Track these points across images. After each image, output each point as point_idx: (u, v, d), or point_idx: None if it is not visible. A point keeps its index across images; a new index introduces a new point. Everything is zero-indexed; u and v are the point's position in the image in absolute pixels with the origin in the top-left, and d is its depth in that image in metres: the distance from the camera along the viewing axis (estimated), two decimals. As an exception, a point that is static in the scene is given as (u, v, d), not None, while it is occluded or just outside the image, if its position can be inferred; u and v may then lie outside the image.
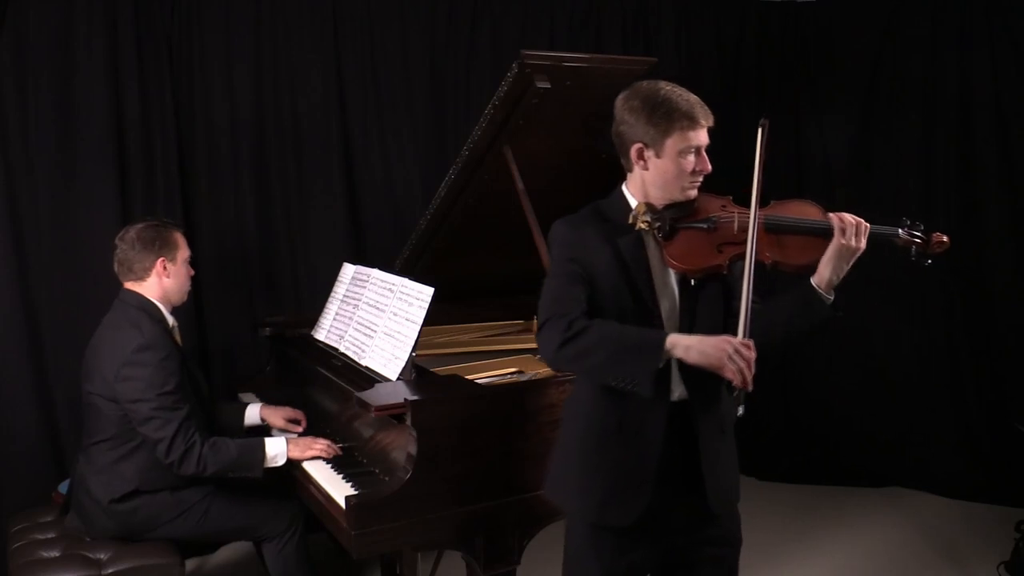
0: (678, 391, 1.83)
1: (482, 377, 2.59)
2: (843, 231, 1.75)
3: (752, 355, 1.63)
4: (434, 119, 3.89)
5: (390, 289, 2.70)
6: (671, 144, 1.77)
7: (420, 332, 2.46)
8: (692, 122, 1.77)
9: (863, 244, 1.76)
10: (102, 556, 2.58)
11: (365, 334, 2.71)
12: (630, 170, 1.87)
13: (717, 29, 4.37)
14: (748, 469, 4.40)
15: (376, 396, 2.25)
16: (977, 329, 4.07)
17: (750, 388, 1.63)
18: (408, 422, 2.15)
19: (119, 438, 2.56)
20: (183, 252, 2.71)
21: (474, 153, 2.68)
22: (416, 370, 2.50)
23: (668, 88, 1.81)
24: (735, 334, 1.68)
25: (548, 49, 3.78)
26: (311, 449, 2.56)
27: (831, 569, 3.42)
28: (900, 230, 1.87)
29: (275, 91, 3.63)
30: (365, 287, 2.86)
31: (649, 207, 1.81)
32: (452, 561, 3.04)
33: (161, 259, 2.63)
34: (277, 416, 2.88)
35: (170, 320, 2.70)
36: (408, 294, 2.58)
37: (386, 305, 2.67)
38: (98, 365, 2.57)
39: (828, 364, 4.35)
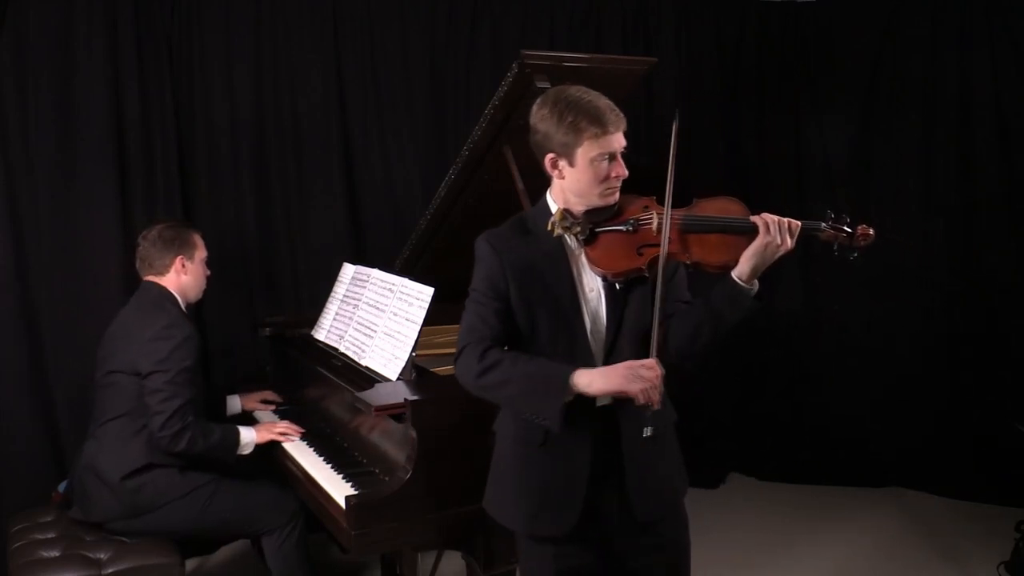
0: (605, 398, 1.81)
1: (482, 377, 2.58)
2: (767, 229, 1.72)
3: (655, 374, 1.66)
4: (434, 119, 3.89)
5: (390, 289, 2.70)
6: (582, 153, 1.75)
7: (420, 332, 2.46)
8: (602, 129, 1.74)
9: (790, 243, 1.73)
10: (102, 556, 2.58)
11: (365, 334, 2.71)
12: (549, 179, 1.87)
13: (717, 29, 4.37)
14: (748, 469, 4.41)
15: (376, 396, 2.25)
16: (977, 329, 4.07)
17: (656, 406, 1.67)
18: (408, 422, 2.15)
19: (134, 413, 2.64)
20: (200, 252, 2.87)
21: (474, 153, 2.68)
22: (416, 370, 2.50)
23: (577, 94, 1.77)
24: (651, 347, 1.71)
25: (548, 49, 3.78)
26: (271, 433, 2.80)
27: (831, 569, 3.42)
28: (823, 224, 1.83)
29: (275, 91, 3.63)
30: (365, 287, 2.86)
31: (567, 213, 1.80)
32: (452, 561, 3.04)
33: (180, 257, 2.80)
34: (252, 401, 3.15)
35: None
36: (408, 294, 2.58)
37: (386, 305, 2.67)
38: (122, 343, 2.68)
39: (828, 365, 4.35)
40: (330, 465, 2.51)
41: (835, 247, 1.84)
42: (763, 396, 4.46)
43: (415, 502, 2.14)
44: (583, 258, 1.82)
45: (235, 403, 3.12)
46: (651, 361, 1.68)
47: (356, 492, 2.24)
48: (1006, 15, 3.87)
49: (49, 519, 2.79)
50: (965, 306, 4.09)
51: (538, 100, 1.83)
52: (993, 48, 3.92)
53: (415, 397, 2.18)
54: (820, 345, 4.37)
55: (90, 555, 2.58)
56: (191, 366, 2.64)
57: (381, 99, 3.79)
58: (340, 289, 3.05)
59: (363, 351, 2.66)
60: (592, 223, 1.80)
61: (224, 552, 3.56)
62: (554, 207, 1.86)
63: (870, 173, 4.24)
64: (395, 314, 2.59)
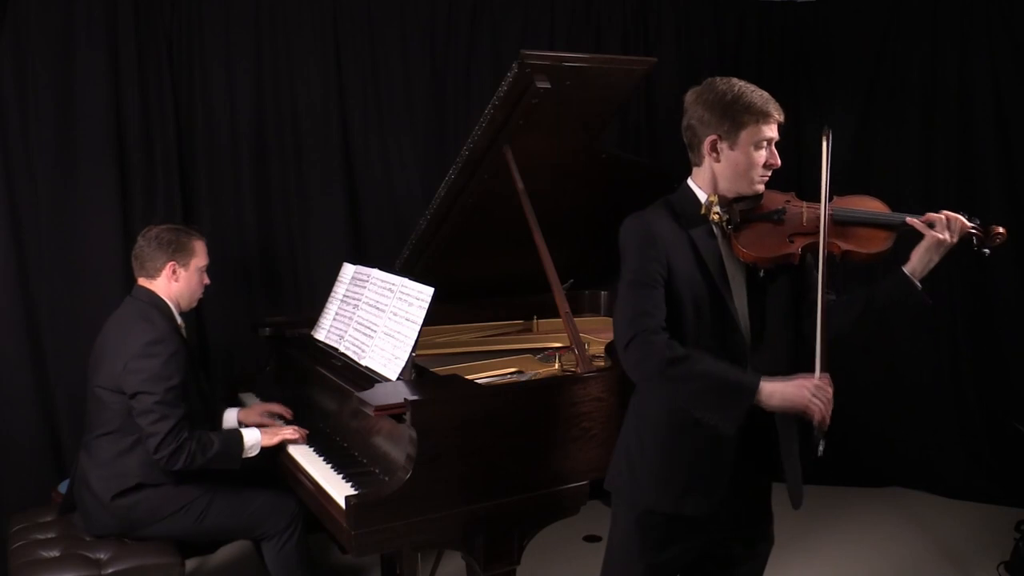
0: None
1: (482, 377, 2.59)
2: (933, 226, 1.79)
3: (831, 391, 1.69)
4: (434, 119, 3.89)
5: (390, 289, 2.70)
6: (745, 136, 1.82)
7: (420, 332, 2.46)
8: (766, 116, 1.83)
9: (955, 238, 1.80)
10: (102, 556, 2.58)
11: (365, 334, 2.70)
12: (699, 164, 1.91)
13: (717, 29, 4.36)
14: (748, 469, 4.42)
15: (376, 396, 2.24)
16: (977, 329, 4.07)
17: (827, 426, 1.69)
18: (408, 422, 2.15)
19: (122, 431, 2.58)
20: (198, 260, 2.76)
21: (474, 153, 2.68)
22: (416, 370, 2.50)
23: (743, 84, 1.88)
24: (812, 364, 1.74)
25: (548, 49, 3.78)
26: (278, 435, 2.69)
27: (832, 569, 3.42)
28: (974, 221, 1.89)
29: (275, 91, 3.63)
30: (365, 287, 2.86)
31: (721, 199, 1.84)
32: (452, 561, 3.04)
33: (172, 263, 2.70)
34: (252, 414, 2.93)
35: (178, 319, 2.75)
36: (408, 294, 2.58)
37: (386, 305, 2.67)
38: (106, 358, 2.60)
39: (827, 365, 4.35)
40: (330, 465, 2.50)
41: (974, 243, 1.87)
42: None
43: (415, 502, 2.14)
44: (729, 245, 1.85)
45: (231, 418, 2.94)
46: (826, 379, 1.71)
47: (356, 492, 2.24)
48: (1006, 15, 3.87)
49: (49, 519, 2.79)
50: (965, 307, 4.09)
51: (700, 87, 1.90)
52: (993, 48, 3.92)
53: (415, 397, 2.18)
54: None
55: (90, 555, 2.58)
56: (179, 383, 2.54)
57: (381, 99, 3.79)
58: (340, 289, 3.05)
59: (363, 351, 2.66)
60: (742, 211, 1.85)
61: (224, 552, 3.56)
62: (700, 194, 1.89)
63: (870, 173, 4.23)
64: (395, 314, 2.59)
